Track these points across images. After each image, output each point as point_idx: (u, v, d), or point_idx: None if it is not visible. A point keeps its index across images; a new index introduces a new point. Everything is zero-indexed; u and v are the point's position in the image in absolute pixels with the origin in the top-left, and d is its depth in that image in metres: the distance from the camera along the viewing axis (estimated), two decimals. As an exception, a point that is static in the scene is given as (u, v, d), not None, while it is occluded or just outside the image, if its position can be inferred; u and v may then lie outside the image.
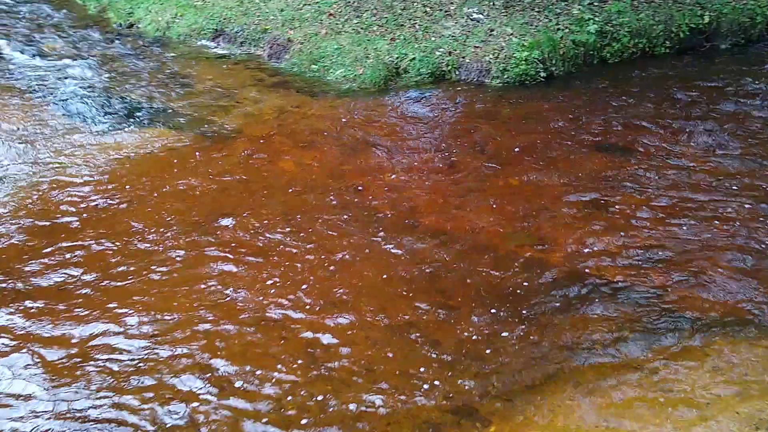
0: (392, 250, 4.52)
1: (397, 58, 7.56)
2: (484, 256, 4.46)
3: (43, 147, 5.55)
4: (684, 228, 4.71)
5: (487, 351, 3.68)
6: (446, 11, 8.31)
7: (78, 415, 3.23)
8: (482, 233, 4.72)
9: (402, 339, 3.75)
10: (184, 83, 7.23)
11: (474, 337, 3.77)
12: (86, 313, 3.86)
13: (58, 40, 8.50)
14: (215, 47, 8.36)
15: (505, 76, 7.25)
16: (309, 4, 8.63)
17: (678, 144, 5.86)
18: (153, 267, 4.25)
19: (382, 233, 4.70)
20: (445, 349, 3.69)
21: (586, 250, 4.50)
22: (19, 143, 5.51)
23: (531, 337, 3.78)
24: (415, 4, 8.51)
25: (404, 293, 4.11)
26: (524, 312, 3.97)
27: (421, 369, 3.55)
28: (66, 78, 7.11)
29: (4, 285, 4.06)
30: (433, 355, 3.65)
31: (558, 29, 7.68)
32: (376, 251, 4.51)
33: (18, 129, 5.80)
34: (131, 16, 9.18)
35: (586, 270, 4.31)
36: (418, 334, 3.79)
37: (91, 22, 9.24)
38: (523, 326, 3.86)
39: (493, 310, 3.97)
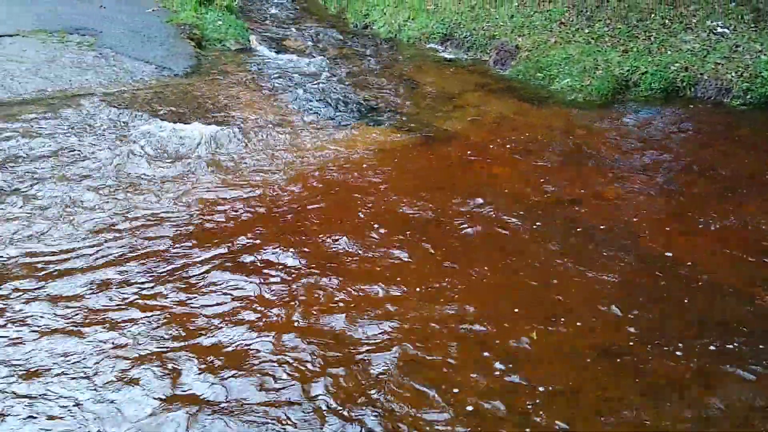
0: (604, 270, 4.33)
1: (628, 70, 7.26)
2: (711, 290, 4.13)
3: (280, 136, 5.97)
4: None
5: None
6: (686, 24, 7.84)
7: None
8: (709, 263, 4.38)
9: (608, 361, 3.59)
10: (410, 84, 7.47)
11: (686, 376, 3.51)
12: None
13: (299, 37, 9.13)
14: (443, 51, 8.54)
15: (749, 97, 6.69)
16: (540, 12, 8.55)
17: None
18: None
19: (593, 251, 4.52)
20: (653, 382, 3.47)
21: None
22: (259, 133, 5.97)
23: None
24: (652, 15, 8.12)
25: (616, 316, 3.93)
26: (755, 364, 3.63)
27: (625, 395, 3.38)
28: (304, 73, 7.62)
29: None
30: (636, 381, 3.45)
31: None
32: (586, 268, 4.35)
33: (260, 119, 6.30)
34: (367, 18, 9.65)
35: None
36: (626, 359, 3.60)
37: (331, 22, 9.84)
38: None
39: (706, 343, 3.67)
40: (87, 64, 7.07)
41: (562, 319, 3.87)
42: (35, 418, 3.00)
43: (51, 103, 6.18)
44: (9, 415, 3.01)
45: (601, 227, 4.79)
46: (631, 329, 3.82)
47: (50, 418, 3.01)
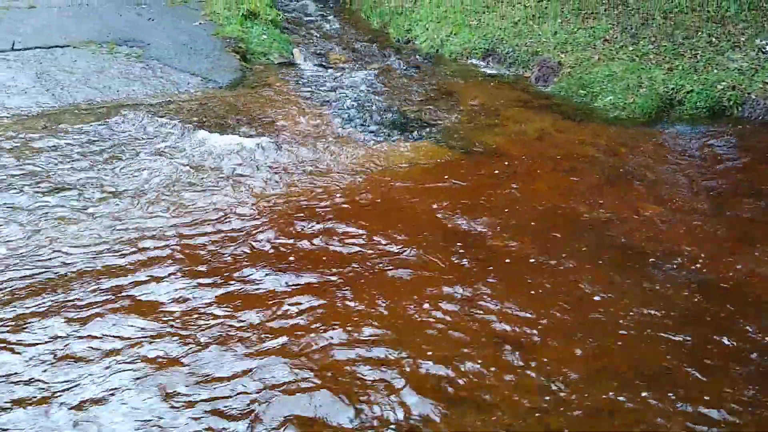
0: (644, 291, 4.26)
1: (673, 89, 7.17)
2: (757, 313, 4.05)
3: (319, 148, 6.02)
4: None
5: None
6: (734, 43, 7.72)
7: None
8: (759, 286, 4.29)
9: (653, 388, 3.53)
10: (451, 99, 7.48)
11: (732, 406, 3.43)
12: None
13: (341, 51, 9.22)
14: (484, 66, 8.54)
15: (798, 117, 6.55)
16: (584, 28, 8.50)
17: None
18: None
19: (635, 270, 4.46)
20: (694, 408, 3.39)
21: None
22: (301, 145, 6.03)
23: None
24: (699, 33, 8.02)
25: (656, 337, 3.86)
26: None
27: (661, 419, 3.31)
28: (345, 87, 7.68)
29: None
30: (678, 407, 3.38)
31: None
32: (626, 288, 4.28)
33: (301, 131, 6.37)
34: (409, 33, 9.70)
35: None
36: (666, 382, 3.54)
37: (373, 37, 9.91)
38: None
39: (750, 370, 3.59)
40: (134, 75, 7.24)
41: (601, 340, 3.82)
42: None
43: (99, 113, 6.33)
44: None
45: (644, 247, 4.72)
46: (673, 351, 3.76)
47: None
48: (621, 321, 3.97)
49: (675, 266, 4.51)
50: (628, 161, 6.08)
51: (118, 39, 8.03)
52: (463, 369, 3.54)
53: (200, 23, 8.83)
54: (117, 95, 6.79)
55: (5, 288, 3.89)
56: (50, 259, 4.18)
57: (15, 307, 3.75)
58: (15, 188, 4.94)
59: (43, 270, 4.07)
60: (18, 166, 5.26)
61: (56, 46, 7.67)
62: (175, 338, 3.61)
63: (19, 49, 7.50)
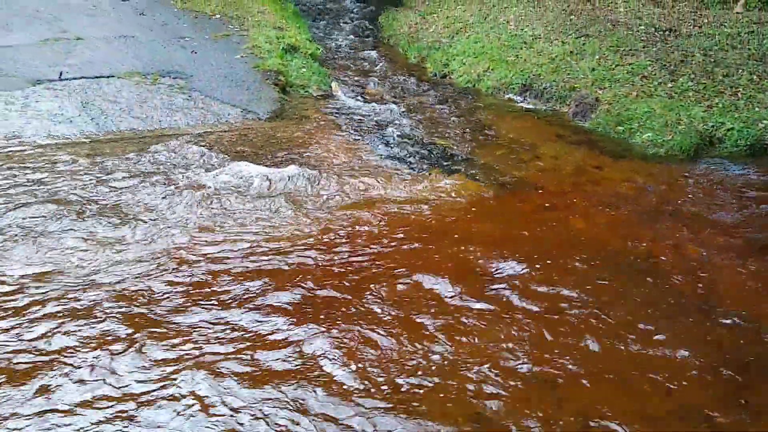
0: (684, 330, 4.18)
1: (712, 126, 7.11)
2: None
3: (355, 180, 6.06)
4: None
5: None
6: (776, 80, 7.64)
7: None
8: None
9: (686, 425, 3.45)
10: (487, 134, 7.49)
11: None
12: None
13: (379, 85, 9.31)
14: (521, 101, 8.56)
15: (842, 157, 6.44)
16: (622, 65, 8.48)
17: None
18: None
19: (674, 309, 4.38)
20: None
21: None
22: (338, 176, 6.09)
23: None
24: (739, 71, 7.96)
25: (698, 378, 3.78)
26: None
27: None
28: (382, 120, 7.75)
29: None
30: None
31: None
32: (664, 327, 4.21)
33: (337, 162, 6.43)
34: (446, 67, 9.78)
35: None
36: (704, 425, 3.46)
37: (410, 71, 10.01)
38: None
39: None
40: (177, 105, 7.39)
41: (640, 379, 3.76)
42: None
43: (142, 142, 6.47)
44: None
45: (684, 287, 4.65)
46: (715, 392, 3.68)
47: None
48: (657, 356, 3.90)
49: (717, 308, 4.43)
50: (667, 198, 6.02)
51: (162, 71, 8.22)
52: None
53: (242, 56, 9.01)
54: (159, 125, 6.94)
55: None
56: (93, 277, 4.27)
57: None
58: (57, 213, 5.06)
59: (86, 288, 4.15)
60: (62, 192, 5.38)
61: (102, 77, 7.88)
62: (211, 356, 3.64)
63: (67, 79, 7.72)
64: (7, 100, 7.06)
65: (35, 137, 6.42)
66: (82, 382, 3.47)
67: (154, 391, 3.45)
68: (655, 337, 4.10)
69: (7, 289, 4.16)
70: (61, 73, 7.83)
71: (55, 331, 3.81)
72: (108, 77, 7.88)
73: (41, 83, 7.55)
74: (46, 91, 7.38)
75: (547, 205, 5.86)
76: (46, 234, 4.77)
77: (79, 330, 3.84)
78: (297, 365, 3.70)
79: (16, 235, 4.73)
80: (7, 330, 3.80)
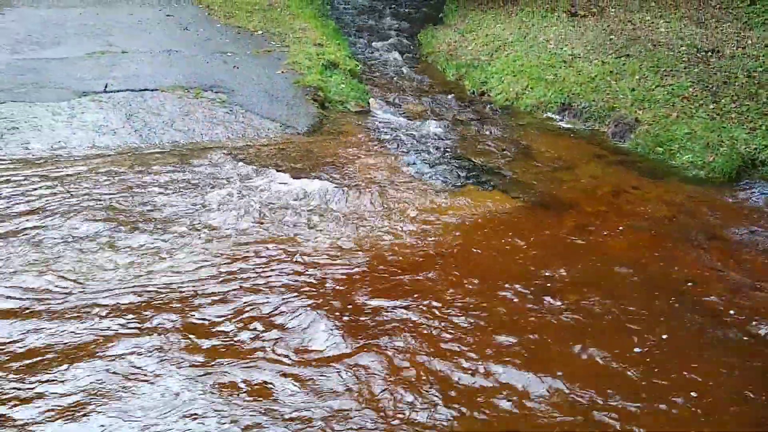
0: (726, 356, 4.11)
1: (755, 149, 7.00)
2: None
3: (390, 195, 6.09)
4: None
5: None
6: (822, 103, 7.50)
7: None
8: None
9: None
10: (525, 152, 7.47)
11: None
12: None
13: (416, 101, 9.36)
14: (559, 120, 8.53)
15: None
16: (662, 86, 8.41)
17: None
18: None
19: (717, 336, 4.31)
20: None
21: None
22: (374, 190, 6.12)
23: None
24: (784, 93, 7.82)
25: (743, 404, 3.71)
26: None
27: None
28: (419, 136, 7.78)
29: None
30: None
31: None
32: (706, 354, 4.14)
33: (373, 177, 6.47)
34: (484, 85, 9.79)
35: None
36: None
37: (448, 88, 10.04)
38: None
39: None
40: (218, 119, 7.52)
41: (684, 405, 3.71)
42: None
43: (183, 154, 6.59)
44: None
45: (725, 312, 4.57)
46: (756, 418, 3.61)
47: None
48: (699, 383, 3.85)
49: (759, 335, 4.35)
50: (708, 221, 5.93)
51: (204, 85, 8.38)
52: None
53: (282, 72, 9.14)
54: (200, 138, 7.06)
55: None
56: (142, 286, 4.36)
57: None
58: (104, 221, 5.18)
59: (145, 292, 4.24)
60: (103, 201, 5.51)
61: (146, 90, 8.05)
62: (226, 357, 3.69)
63: (111, 91, 7.91)
64: (54, 110, 7.26)
65: (80, 148, 6.59)
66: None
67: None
68: (694, 365, 4.03)
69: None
70: (106, 86, 8.03)
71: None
72: (152, 90, 8.06)
73: (87, 95, 7.75)
74: (92, 103, 7.57)
75: (582, 224, 5.82)
76: (88, 242, 4.90)
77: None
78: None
79: (73, 240, 4.86)
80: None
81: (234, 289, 4.48)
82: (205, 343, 3.97)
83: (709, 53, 9.23)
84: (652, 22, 10.52)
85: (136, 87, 8.12)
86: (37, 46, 9.22)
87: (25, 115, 7.11)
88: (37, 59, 8.69)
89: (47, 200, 5.46)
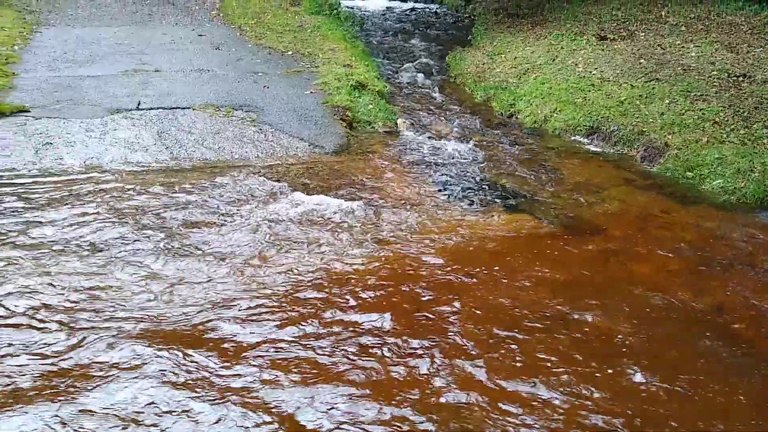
0: (757, 395, 4.03)
1: (788, 175, 6.90)
2: None
3: (415, 215, 6.10)
4: None
5: None
6: None
7: None
8: None
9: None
10: (552, 175, 7.44)
11: None
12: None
13: (444, 123, 9.38)
14: (588, 144, 8.49)
15: None
16: (692, 110, 8.35)
17: None
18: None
19: (745, 372, 4.24)
20: None
21: None
22: (400, 210, 6.15)
23: None
24: (818, 119, 7.72)
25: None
26: None
27: None
28: (445, 157, 7.79)
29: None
30: None
31: None
32: (739, 385, 4.07)
33: (399, 197, 6.49)
34: (512, 107, 9.78)
35: None
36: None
37: (476, 110, 10.05)
38: None
39: None
40: (247, 138, 7.60)
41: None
42: None
43: (213, 171, 6.68)
44: None
45: (756, 343, 4.51)
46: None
47: None
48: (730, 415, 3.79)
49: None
50: (739, 247, 5.86)
51: (235, 104, 8.48)
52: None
53: (311, 92, 9.22)
54: (230, 156, 7.14)
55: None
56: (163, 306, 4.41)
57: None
58: (133, 240, 5.27)
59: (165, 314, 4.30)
60: (136, 219, 5.60)
61: (177, 108, 8.18)
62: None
63: (144, 109, 8.04)
64: (88, 127, 7.40)
65: (112, 164, 6.70)
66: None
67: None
68: (720, 398, 3.97)
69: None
70: (138, 103, 8.17)
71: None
72: (184, 108, 8.18)
73: (120, 112, 7.89)
74: (124, 120, 7.70)
75: (610, 247, 5.78)
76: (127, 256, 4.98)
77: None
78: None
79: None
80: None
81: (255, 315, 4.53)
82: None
83: (741, 78, 9.15)
84: (683, 46, 10.47)
85: (168, 105, 8.24)
86: (72, 63, 9.42)
87: (60, 131, 7.25)
88: (72, 77, 8.87)
89: (82, 212, 5.57)
